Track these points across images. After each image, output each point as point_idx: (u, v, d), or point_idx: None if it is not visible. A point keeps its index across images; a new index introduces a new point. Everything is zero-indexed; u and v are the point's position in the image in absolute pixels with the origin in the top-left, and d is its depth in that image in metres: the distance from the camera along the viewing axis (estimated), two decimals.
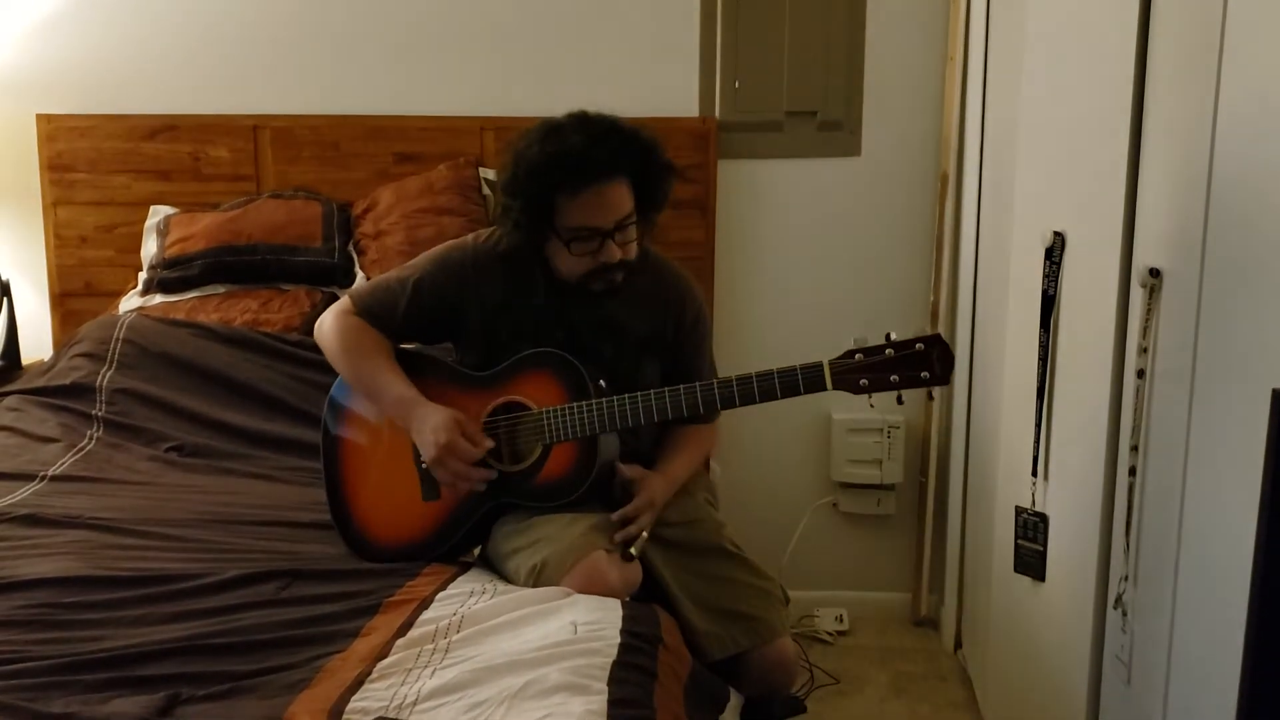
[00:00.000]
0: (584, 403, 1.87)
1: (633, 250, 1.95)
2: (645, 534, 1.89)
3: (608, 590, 1.74)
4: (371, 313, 2.00)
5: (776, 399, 1.80)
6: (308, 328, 2.55)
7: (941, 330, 2.91)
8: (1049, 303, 2.03)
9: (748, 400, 1.81)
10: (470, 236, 2.07)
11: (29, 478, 2.20)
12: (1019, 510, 2.15)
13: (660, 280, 2.04)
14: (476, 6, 3.00)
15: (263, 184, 2.99)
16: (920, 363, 1.76)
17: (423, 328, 2.04)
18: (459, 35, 3.01)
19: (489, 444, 1.90)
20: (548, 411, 1.89)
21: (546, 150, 1.86)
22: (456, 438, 1.86)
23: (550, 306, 1.98)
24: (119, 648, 1.54)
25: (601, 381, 1.91)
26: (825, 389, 1.78)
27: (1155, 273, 1.67)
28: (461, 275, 2.00)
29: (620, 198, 1.89)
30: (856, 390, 1.78)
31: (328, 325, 2.01)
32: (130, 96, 3.02)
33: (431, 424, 1.87)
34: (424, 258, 2.05)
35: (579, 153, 1.84)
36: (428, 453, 1.88)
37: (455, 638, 1.57)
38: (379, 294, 2.02)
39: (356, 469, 2.00)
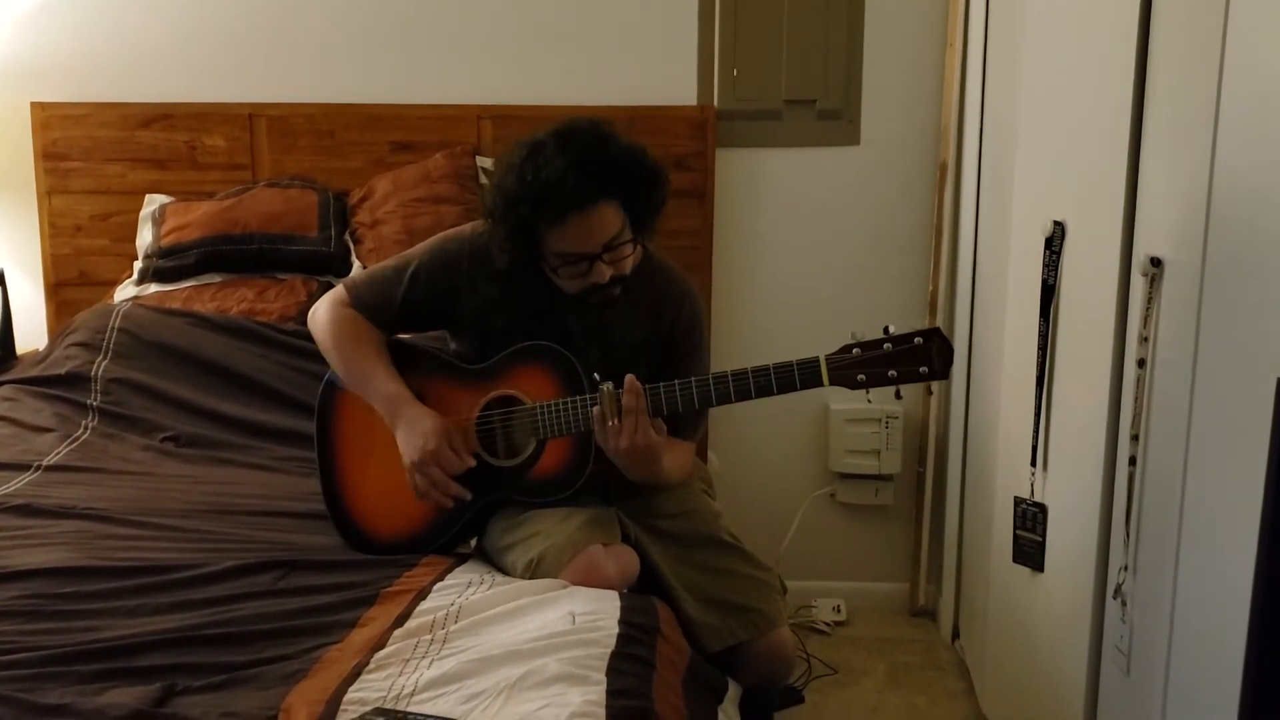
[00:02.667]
0: (578, 397, 1.85)
1: (627, 265, 1.90)
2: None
3: (605, 583, 1.74)
4: (366, 303, 1.98)
5: (773, 395, 1.78)
6: (304, 317, 2.52)
7: (940, 320, 2.91)
8: (1049, 292, 2.03)
9: (744, 396, 1.79)
10: (469, 227, 2.04)
11: (24, 468, 2.19)
12: (1018, 500, 2.14)
13: (658, 286, 2.00)
14: None
15: (258, 173, 2.98)
16: (919, 357, 1.74)
17: (418, 317, 2.02)
18: (456, 23, 2.99)
19: (471, 462, 1.88)
20: (542, 406, 1.87)
21: (525, 179, 1.80)
22: (444, 446, 1.84)
23: (543, 308, 1.95)
24: (114, 638, 1.54)
25: (596, 375, 1.89)
26: (822, 385, 1.76)
27: (1156, 262, 1.66)
28: (457, 267, 1.98)
29: (605, 221, 1.83)
30: (854, 386, 1.76)
31: (321, 316, 2.00)
32: (125, 85, 3.00)
33: (420, 428, 1.86)
34: (421, 247, 2.03)
35: (557, 183, 1.77)
36: (410, 455, 1.86)
37: (453, 628, 1.56)
38: (375, 285, 2.00)
39: (351, 463, 1.99)
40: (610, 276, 1.87)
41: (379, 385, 1.92)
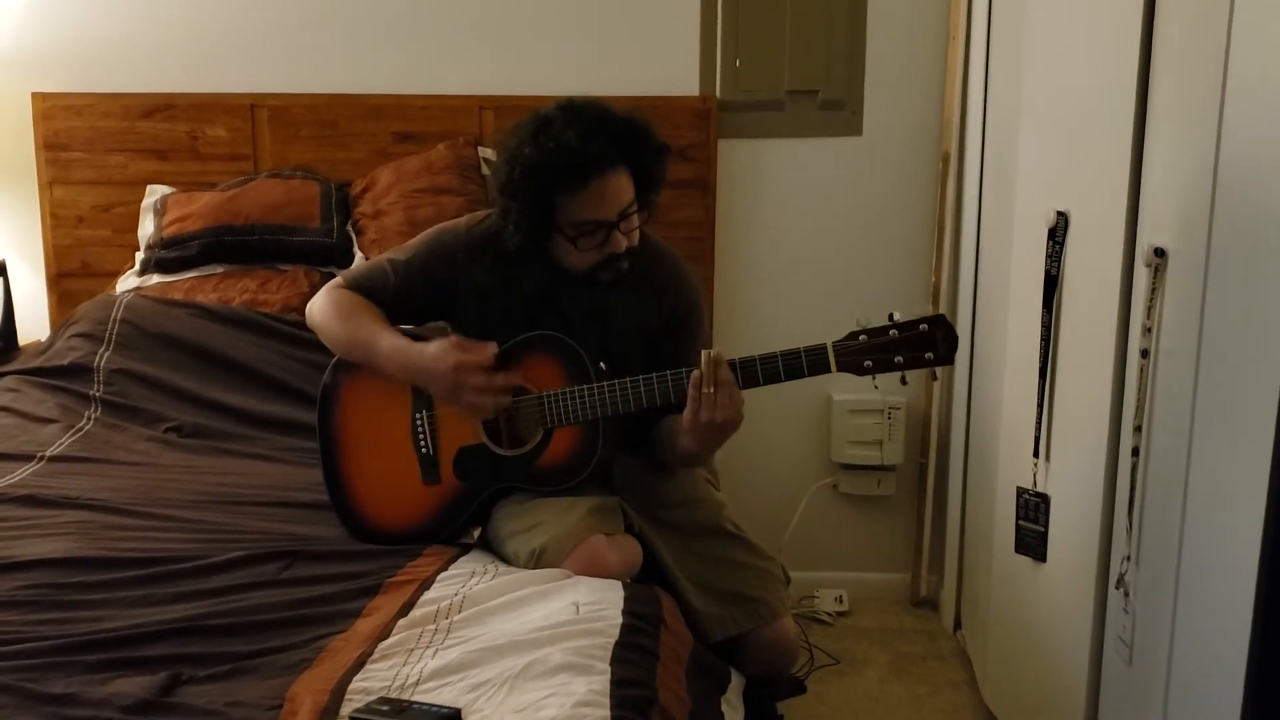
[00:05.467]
0: (585, 386, 1.86)
1: (636, 237, 1.94)
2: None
3: (607, 573, 1.74)
4: (363, 289, 1.99)
5: (780, 381, 1.79)
6: (306, 308, 2.54)
7: (943, 310, 2.91)
8: (1052, 283, 2.03)
9: (751, 383, 1.79)
10: (464, 219, 2.05)
11: (27, 458, 2.19)
12: (1020, 491, 2.15)
13: (655, 268, 2.01)
14: None
15: (260, 163, 2.97)
16: (924, 343, 1.75)
17: (414, 308, 2.02)
18: (458, 13, 2.98)
19: (493, 348, 1.87)
20: (548, 395, 1.88)
21: (542, 149, 1.82)
22: (461, 354, 1.84)
23: (542, 295, 1.96)
24: (119, 628, 1.54)
25: (602, 364, 1.90)
26: (829, 371, 1.77)
27: (1160, 252, 1.66)
28: (453, 259, 1.98)
29: (621, 187, 1.87)
30: (861, 372, 1.77)
31: (318, 301, 2.00)
32: (127, 75, 3.00)
33: (431, 355, 1.86)
34: (416, 240, 2.04)
35: (575, 149, 1.80)
36: (439, 383, 1.85)
37: (457, 618, 1.57)
38: (371, 275, 2.01)
39: (354, 456, 1.98)
40: (624, 248, 1.89)
41: (383, 344, 1.91)
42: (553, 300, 1.96)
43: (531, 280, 1.96)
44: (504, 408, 1.89)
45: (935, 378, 3.00)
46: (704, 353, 1.77)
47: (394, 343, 1.91)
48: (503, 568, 1.79)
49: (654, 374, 1.83)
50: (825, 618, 3.04)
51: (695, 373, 1.78)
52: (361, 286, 1.99)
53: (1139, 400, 1.73)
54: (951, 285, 2.92)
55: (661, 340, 2.00)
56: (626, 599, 1.61)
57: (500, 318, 1.96)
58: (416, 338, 1.96)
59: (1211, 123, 1.50)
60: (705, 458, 2.02)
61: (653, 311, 1.99)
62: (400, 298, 1.98)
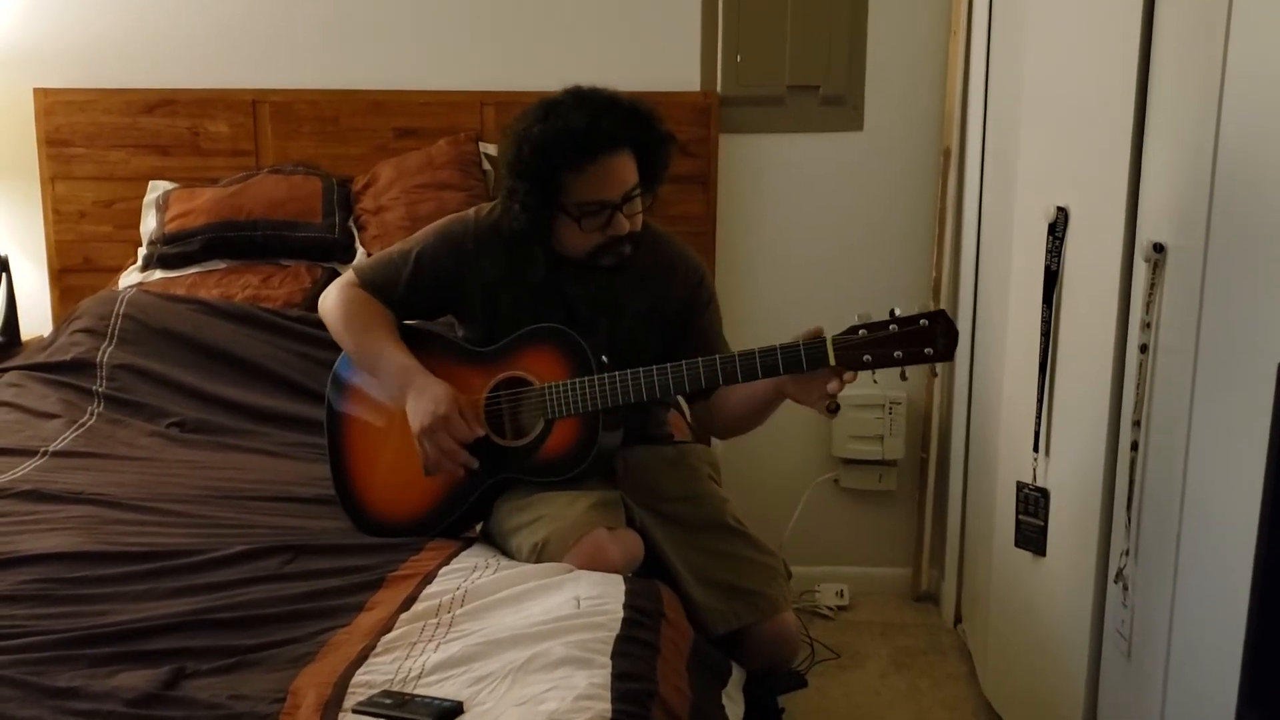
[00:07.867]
0: (586, 378, 1.86)
1: (639, 222, 1.95)
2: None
3: (609, 567, 1.74)
4: (374, 285, 2.00)
5: (779, 375, 1.79)
6: (309, 303, 2.55)
7: (943, 305, 2.91)
8: (1052, 278, 2.03)
9: (750, 376, 1.80)
10: (472, 211, 2.06)
11: (30, 453, 2.20)
12: (1020, 485, 2.15)
13: (660, 254, 2.03)
14: None
15: (262, 159, 2.98)
16: (924, 338, 1.75)
17: (424, 301, 2.03)
18: (459, 9, 2.99)
19: (482, 431, 1.89)
20: (550, 387, 1.89)
21: (551, 128, 1.85)
22: (454, 413, 1.86)
23: (549, 283, 1.98)
24: (124, 622, 1.55)
25: (604, 357, 1.91)
26: (828, 364, 1.77)
27: (1159, 248, 1.67)
28: (462, 249, 2.00)
29: (626, 169, 1.89)
30: (859, 366, 1.77)
31: (331, 298, 2.02)
32: (128, 70, 3.00)
33: (431, 394, 1.87)
34: (425, 231, 2.05)
35: (584, 128, 1.84)
36: (420, 421, 1.86)
37: (459, 612, 1.57)
38: (381, 267, 2.02)
39: (360, 445, 2.00)
40: (626, 231, 1.91)
41: (390, 358, 1.93)
42: (559, 290, 1.98)
43: (539, 270, 1.98)
44: (448, 473, 1.90)
45: (935, 373, 3.00)
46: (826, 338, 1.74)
47: (402, 362, 1.93)
48: (505, 562, 1.80)
49: (654, 366, 1.83)
50: (826, 612, 3.05)
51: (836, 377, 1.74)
52: (374, 283, 2.01)
53: (1138, 395, 1.74)
54: (952, 280, 2.93)
55: (677, 319, 2.02)
56: (628, 593, 1.62)
57: (507, 308, 1.97)
58: (423, 333, 1.97)
59: (1210, 118, 1.51)
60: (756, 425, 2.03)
61: (664, 295, 2.01)
62: (411, 290, 2.00)
